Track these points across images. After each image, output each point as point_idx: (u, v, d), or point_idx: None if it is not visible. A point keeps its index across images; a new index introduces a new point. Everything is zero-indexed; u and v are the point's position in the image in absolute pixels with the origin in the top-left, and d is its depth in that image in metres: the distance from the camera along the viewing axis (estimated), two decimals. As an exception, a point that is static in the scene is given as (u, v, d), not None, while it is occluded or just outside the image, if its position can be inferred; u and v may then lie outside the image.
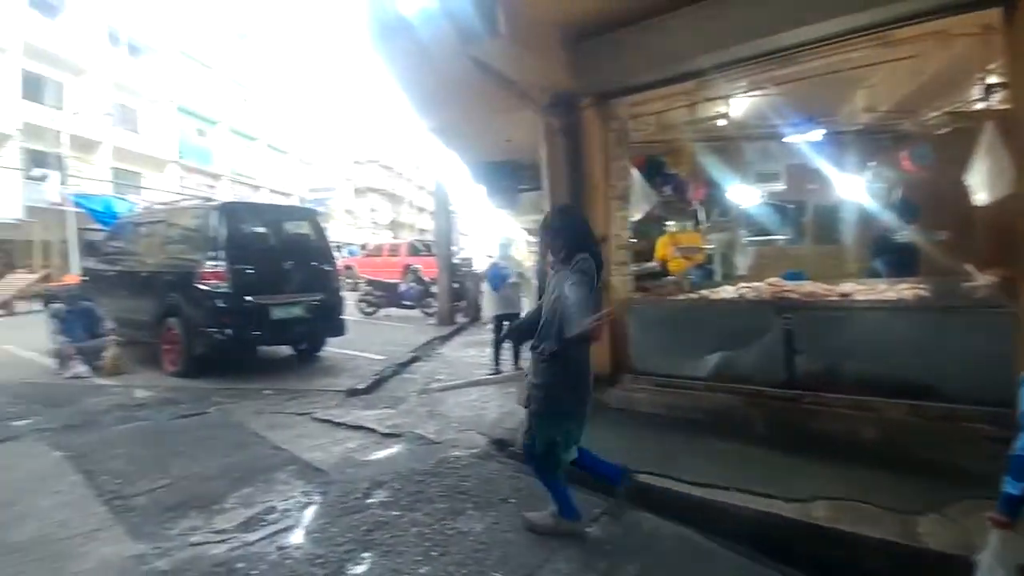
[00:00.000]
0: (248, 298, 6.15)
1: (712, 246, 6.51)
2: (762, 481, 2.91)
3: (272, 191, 32.95)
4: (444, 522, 2.84)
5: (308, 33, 39.05)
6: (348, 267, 18.74)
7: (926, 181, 5.11)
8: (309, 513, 2.99)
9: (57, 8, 21.97)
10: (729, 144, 5.77)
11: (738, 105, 4.96)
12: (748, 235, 6.74)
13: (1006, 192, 3.35)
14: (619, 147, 4.59)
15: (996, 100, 3.82)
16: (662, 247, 6.06)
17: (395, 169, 49.16)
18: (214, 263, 6.08)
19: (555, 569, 2.44)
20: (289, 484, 3.36)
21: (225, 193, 27.90)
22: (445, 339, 9.08)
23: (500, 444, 3.80)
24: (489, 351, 6.39)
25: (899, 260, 5.31)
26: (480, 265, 12.75)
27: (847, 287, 4.30)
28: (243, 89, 32.16)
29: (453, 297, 11.14)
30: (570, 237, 2.64)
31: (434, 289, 11.30)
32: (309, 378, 6.35)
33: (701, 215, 6.81)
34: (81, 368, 6.29)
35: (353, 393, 5.49)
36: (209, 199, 9.29)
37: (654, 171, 5.69)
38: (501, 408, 4.80)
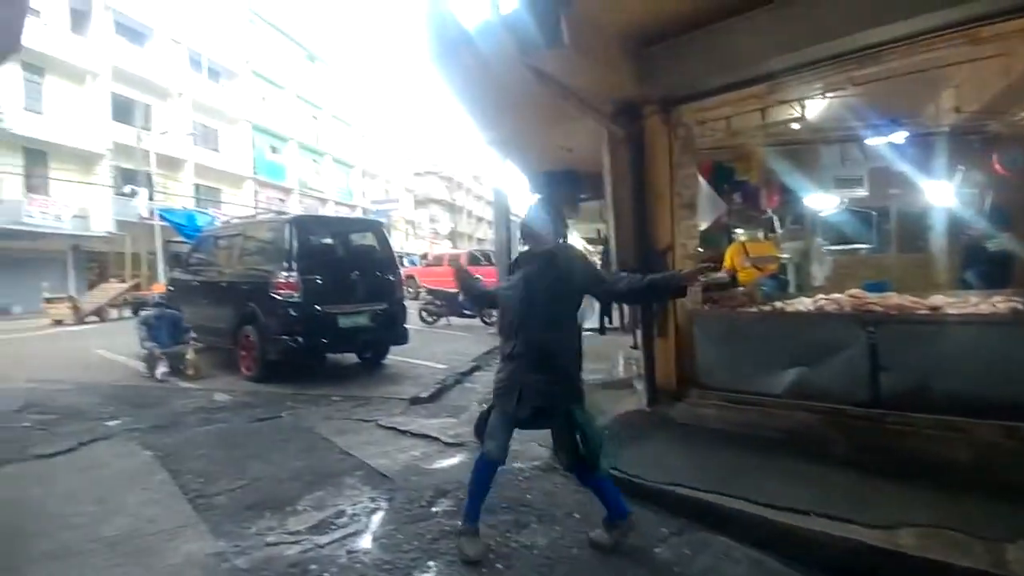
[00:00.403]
0: (317, 307, 6.41)
1: (786, 255, 6.20)
2: (843, 505, 2.73)
3: (338, 203, 34.39)
4: (508, 535, 2.82)
5: (371, 52, 40.56)
6: (410, 277, 19.19)
7: (1020, 186, 4.72)
8: (376, 519, 3.05)
9: (144, 35, 23.93)
10: (804, 148, 5.52)
11: (814, 107, 4.74)
12: (826, 243, 6.38)
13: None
14: (685, 155, 4.46)
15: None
16: (731, 256, 5.83)
17: (454, 180, 50.17)
18: (287, 274, 6.37)
19: (623, 590, 2.37)
20: (357, 489, 3.44)
21: (295, 206, 29.36)
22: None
23: (563, 457, 3.74)
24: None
25: (992, 271, 4.95)
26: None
27: (936, 299, 4.00)
28: (312, 107, 33.82)
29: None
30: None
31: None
32: (374, 385, 6.51)
33: (774, 223, 6.53)
34: (166, 371, 6.73)
35: (416, 401, 5.58)
36: (282, 213, 9.78)
37: (723, 178, 5.52)
38: (563, 420, 4.75)
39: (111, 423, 4.90)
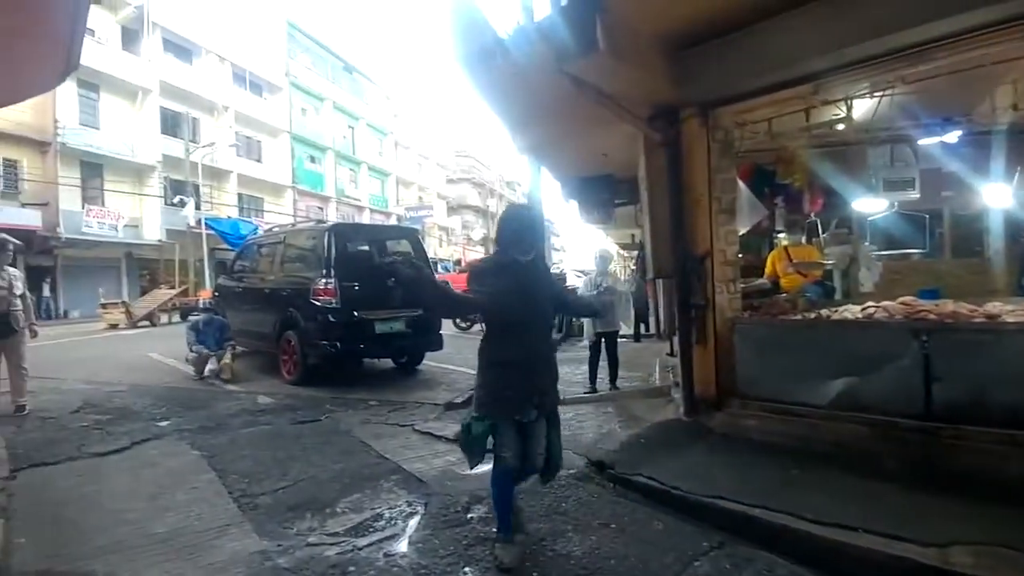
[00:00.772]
0: (355, 313, 6.53)
1: (831, 261, 5.98)
2: (893, 521, 2.61)
3: (373, 211, 35.07)
4: (543, 543, 2.80)
5: (405, 62, 41.40)
6: (444, 283, 19.34)
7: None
8: (413, 523, 3.07)
9: (191, 52, 25.01)
10: (850, 150, 5.33)
11: (860, 107, 4.58)
12: (874, 248, 6.13)
13: None
14: (724, 158, 4.37)
15: None
16: (773, 262, 5.66)
17: (487, 186, 50.53)
18: (325, 281, 6.52)
19: (662, 603, 2.32)
20: (394, 493, 3.48)
21: (333, 215, 30.09)
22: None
23: (599, 466, 3.70)
24: (585, 369, 6.30)
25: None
26: (574, 281, 12.67)
27: (993, 307, 3.78)
28: (349, 117, 34.67)
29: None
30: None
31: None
32: (409, 390, 6.58)
33: (818, 227, 6.31)
34: (214, 368, 7.06)
35: (451, 407, 5.62)
36: (321, 221, 10.02)
37: (763, 182, 5.37)
38: (599, 428, 4.71)
39: (162, 423, 5.10)
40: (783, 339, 4.14)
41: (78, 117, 20.35)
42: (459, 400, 5.79)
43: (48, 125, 19.30)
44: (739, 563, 2.57)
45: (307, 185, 30.56)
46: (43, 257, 19.63)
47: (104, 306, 16.47)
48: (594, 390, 5.98)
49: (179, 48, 24.42)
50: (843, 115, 4.60)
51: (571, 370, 7.38)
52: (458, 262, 26.93)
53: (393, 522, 3.07)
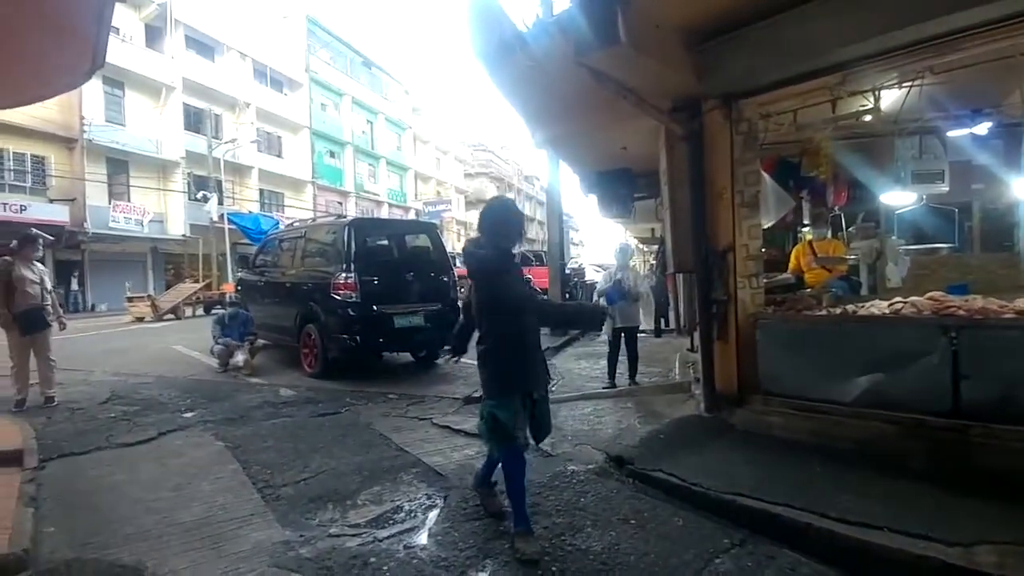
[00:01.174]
0: (374, 307, 6.59)
1: (855, 256, 5.85)
2: (919, 520, 2.56)
3: (392, 205, 35.27)
4: (562, 538, 2.80)
5: (424, 57, 41.47)
6: (463, 277, 19.40)
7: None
8: (432, 516, 3.09)
9: (213, 49, 25.34)
10: (877, 141, 5.20)
11: (888, 98, 4.46)
12: (902, 243, 5.98)
13: None
14: (747, 151, 4.29)
15: None
16: (797, 257, 5.54)
17: (505, 181, 50.46)
18: (345, 275, 6.58)
19: (683, 600, 2.31)
20: (413, 486, 3.51)
21: (352, 209, 30.33)
22: (557, 350, 9.07)
23: (619, 461, 3.68)
24: (604, 364, 6.27)
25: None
26: (593, 276, 12.61)
27: (1024, 303, 3.67)
28: (367, 112, 34.86)
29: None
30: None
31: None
32: (428, 384, 6.62)
33: (842, 221, 6.17)
34: (240, 358, 7.15)
35: (469, 401, 5.63)
36: (341, 216, 10.10)
37: (787, 174, 5.27)
38: (618, 424, 4.68)
39: (187, 415, 5.21)
40: (807, 335, 4.07)
41: (104, 114, 20.78)
42: (477, 394, 5.77)
43: (74, 122, 19.74)
44: (761, 561, 2.55)
45: (327, 180, 30.84)
46: (71, 252, 20.12)
47: (131, 300, 16.82)
48: (613, 385, 5.96)
49: (201, 45, 24.77)
50: (870, 106, 4.49)
51: (589, 365, 7.37)
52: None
53: (413, 515, 3.10)
